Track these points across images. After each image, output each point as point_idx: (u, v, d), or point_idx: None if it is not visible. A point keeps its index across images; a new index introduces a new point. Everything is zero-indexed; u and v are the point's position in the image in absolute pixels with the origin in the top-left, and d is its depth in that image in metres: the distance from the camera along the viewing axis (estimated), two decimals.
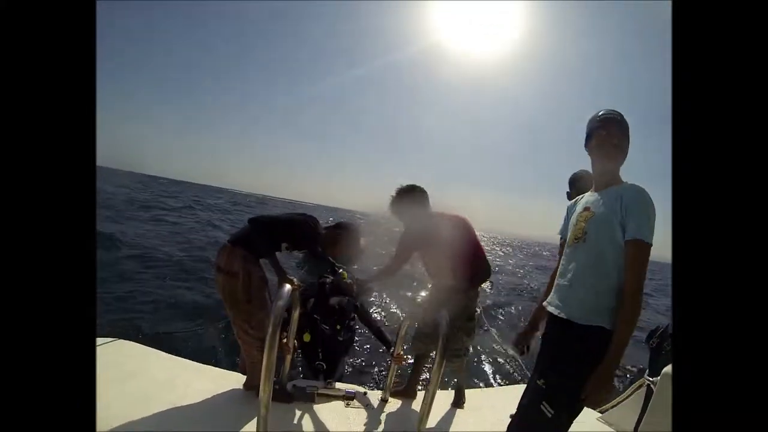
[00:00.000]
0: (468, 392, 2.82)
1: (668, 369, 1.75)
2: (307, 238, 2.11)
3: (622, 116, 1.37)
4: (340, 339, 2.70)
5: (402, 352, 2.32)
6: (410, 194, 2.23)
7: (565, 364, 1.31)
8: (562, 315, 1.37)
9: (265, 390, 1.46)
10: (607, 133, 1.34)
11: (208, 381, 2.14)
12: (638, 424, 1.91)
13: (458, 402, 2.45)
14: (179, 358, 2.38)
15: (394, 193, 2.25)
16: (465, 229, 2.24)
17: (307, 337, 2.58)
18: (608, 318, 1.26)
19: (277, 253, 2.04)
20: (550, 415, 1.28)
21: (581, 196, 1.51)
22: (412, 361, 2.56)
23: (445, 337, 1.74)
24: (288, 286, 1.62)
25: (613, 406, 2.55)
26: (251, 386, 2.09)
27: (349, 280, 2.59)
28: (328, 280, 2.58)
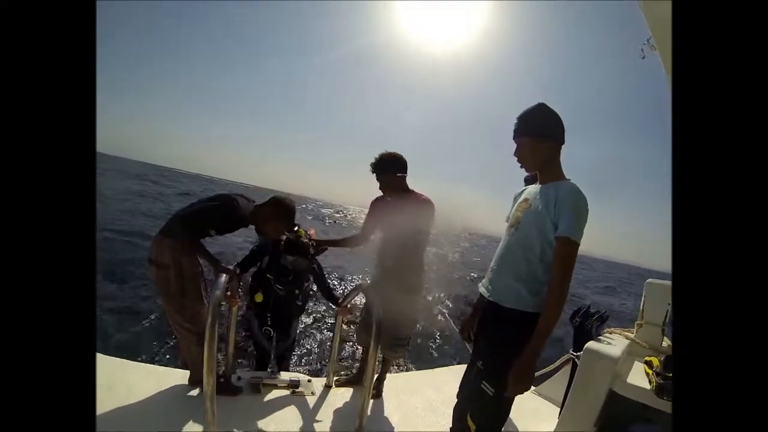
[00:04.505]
0: (414, 374, 2.99)
1: (590, 344, 1.96)
2: (232, 219, 1.98)
3: (531, 115, 1.39)
4: (299, 303, 2.52)
5: (348, 307, 2.34)
6: (388, 163, 2.14)
7: (498, 346, 1.38)
8: (491, 298, 1.46)
9: (209, 384, 1.44)
10: (517, 146, 1.42)
11: (150, 380, 2.08)
12: (566, 395, 2.06)
13: (378, 393, 2.42)
14: (116, 358, 2.26)
15: (376, 157, 2.15)
16: (427, 217, 2.16)
17: (259, 298, 2.41)
18: (531, 304, 1.33)
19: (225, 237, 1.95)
20: (491, 394, 1.36)
21: (527, 186, 1.57)
22: (356, 318, 2.55)
23: (379, 323, 1.78)
24: (224, 276, 1.58)
25: (544, 380, 2.76)
26: (195, 381, 2.05)
27: (305, 239, 2.34)
28: (283, 237, 2.39)
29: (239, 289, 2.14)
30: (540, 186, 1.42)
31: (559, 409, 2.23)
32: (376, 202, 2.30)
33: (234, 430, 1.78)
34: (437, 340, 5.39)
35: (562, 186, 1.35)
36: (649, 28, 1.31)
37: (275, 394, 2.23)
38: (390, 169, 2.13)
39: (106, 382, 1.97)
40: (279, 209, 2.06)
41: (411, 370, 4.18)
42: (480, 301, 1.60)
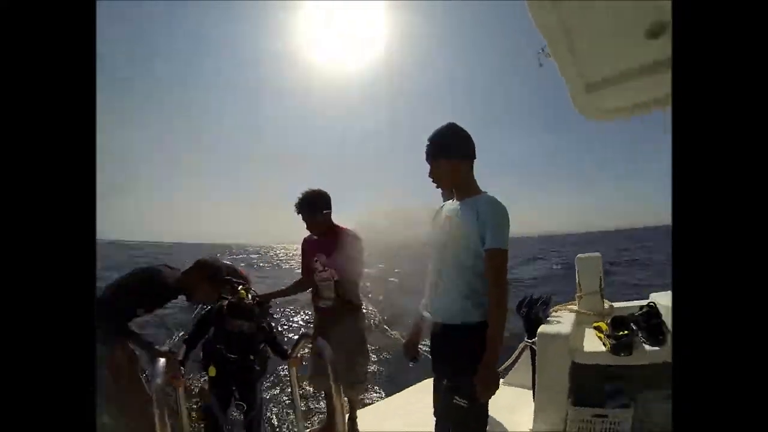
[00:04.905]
0: (383, 402, 3.00)
1: (542, 329, 2.10)
2: (159, 292, 1.82)
3: (444, 137, 1.43)
4: (257, 368, 2.33)
5: (299, 356, 2.27)
6: (314, 203, 2.13)
7: (456, 361, 1.42)
8: (436, 319, 1.49)
9: None
10: (432, 168, 1.46)
11: None
12: (534, 378, 2.19)
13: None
14: None
15: (300, 197, 2.13)
16: (359, 251, 2.16)
17: (212, 372, 2.21)
18: (476, 315, 1.38)
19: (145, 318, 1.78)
20: (465, 406, 1.40)
21: (445, 203, 1.61)
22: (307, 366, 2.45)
23: (333, 364, 1.78)
24: (162, 360, 1.46)
25: (508, 370, 2.92)
26: None
27: (248, 300, 2.19)
28: (224, 302, 2.20)
29: (181, 368, 1.92)
30: (459, 203, 1.47)
31: (531, 392, 2.34)
32: (308, 242, 2.30)
33: None
34: (399, 363, 5.30)
35: (481, 200, 1.41)
36: (542, 35, 1.33)
37: None
38: (318, 208, 2.13)
39: None
40: (206, 271, 1.92)
41: (380, 398, 4.17)
42: (421, 322, 1.62)
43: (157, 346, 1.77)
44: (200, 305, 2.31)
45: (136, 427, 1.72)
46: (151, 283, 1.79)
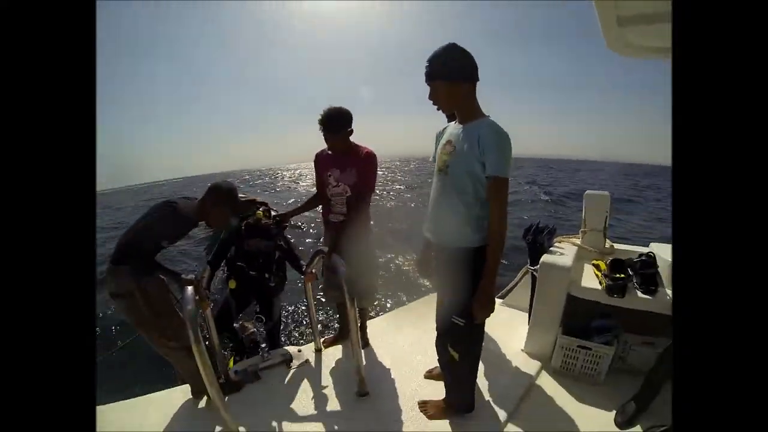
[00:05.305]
0: (391, 314, 3.14)
1: (545, 258, 2.22)
2: (179, 223, 1.88)
3: (443, 57, 1.35)
4: (272, 285, 2.52)
5: (314, 271, 2.37)
6: (342, 121, 2.09)
7: (455, 283, 1.47)
8: (437, 242, 1.56)
9: (215, 391, 1.49)
10: (431, 90, 1.41)
11: (157, 411, 2.01)
12: (531, 302, 2.36)
13: (366, 342, 2.55)
14: (113, 404, 2.08)
15: (326, 114, 2.07)
16: (370, 164, 2.17)
17: (232, 284, 2.41)
18: (476, 239, 1.42)
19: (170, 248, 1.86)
20: (462, 325, 1.48)
21: (448, 125, 1.58)
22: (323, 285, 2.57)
23: (348, 280, 1.85)
24: (190, 288, 1.55)
25: (509, 292, 3.12)
26: (198, 391, 2.05)
27: (265, 220, 2.30)
28: (243, 223, 2.31)
29: (207, 292, 2.09)
30: (461, 126, 1.44)
31: (527, 315, 2.50)
32: (321, 157, 2.29)
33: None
34: (410, 275, 5.82)
35: (483, 125, 1.37)
36: None
37: (274, 374, 2.31)
38: (342, 125, 2.09)
39: (112, 428, 1.90)
40: (218, 196, 1.95)
41: (388, 310, 4.32)
42: (428, 242, 1.69)
43: (183, 275, 1.85)
44: (221, 231, 2.40)
45: (174, 349, 1.89)
46: (171, 215, 1.84)
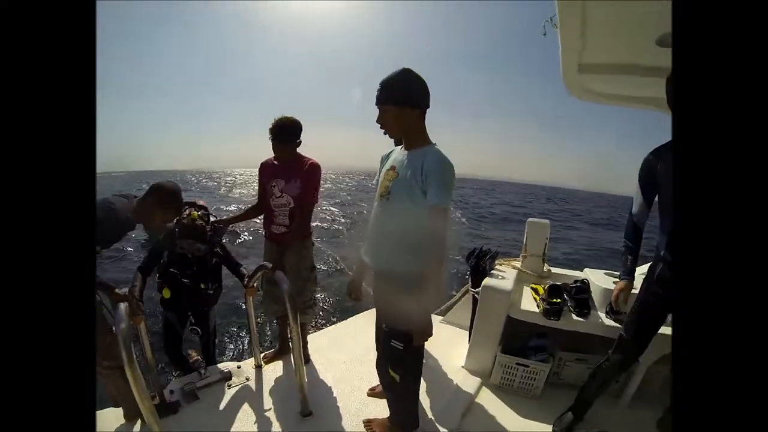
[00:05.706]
0: (331, 329, 3.15)
1: (487, 281, 2.34)
2: (113, 226, 1.67)
3: (394, 82, 1.36)
4: (210, 293, 2.35)
5: (255, 286, 2.31)
6: (291, 132, 2.09)
7: (393, 308, 1.48)
8: (376, 267, 1.57)
9: (148, 413, 1.41)
10: (380, 113, 1.41)
11: None
12: (472, 322, 2.48)
13: (307, 358, 2.52)
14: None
15: (276, 124, 2.07)
16: (314, 176, 2.16)
17: (166, 294, 2.25)
18: (414, 265, 1.39)
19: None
20: (401, 348, 1.50)
21: (394, 149, 1.59)
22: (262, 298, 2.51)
23: (291, 296, 1.83)
24: (122, 304, 1.46)
25: (449, 309, 3.23)
26: (132, 415, 1.90)
27: (200, 221, 2.12)
28: (175, 223, 2.13)
29: (140, 304, 1.88)
30: (406, 152, 1.45)
31: (466, 333, 2.63)
32: (266, 166, 2.28)
33: None
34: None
35: (428, 153, 1.37)
36: (557, 5, 1.34)
37: (212, 392, 2.20)
38: (291, 136, 2.10)
39: None
40: (160, 197, 1.78)
41: (328, 325, 4.35)
42: (363, 265, 1.69)
43: (117, 289, 1.66)
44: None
45: (107, 368, 1.67)
46: (105, 217, 1.61)
